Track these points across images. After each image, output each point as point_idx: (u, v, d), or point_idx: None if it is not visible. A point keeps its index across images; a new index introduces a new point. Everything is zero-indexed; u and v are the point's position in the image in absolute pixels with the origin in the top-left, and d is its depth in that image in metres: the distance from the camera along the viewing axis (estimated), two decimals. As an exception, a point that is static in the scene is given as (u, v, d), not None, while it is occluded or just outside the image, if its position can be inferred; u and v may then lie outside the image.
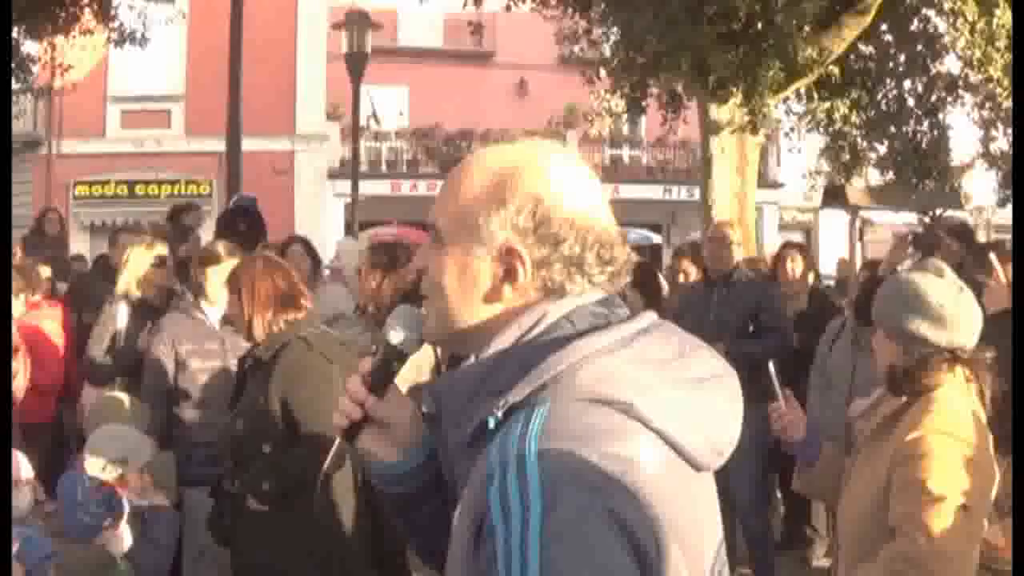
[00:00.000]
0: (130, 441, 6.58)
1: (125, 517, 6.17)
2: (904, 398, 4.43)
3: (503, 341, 2.20)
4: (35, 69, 21.96)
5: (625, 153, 42.84)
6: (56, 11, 18.67)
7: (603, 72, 19.59)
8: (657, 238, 36.21)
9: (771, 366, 4.96)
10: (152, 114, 36.14)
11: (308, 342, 6.02)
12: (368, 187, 34.56)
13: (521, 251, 2.21)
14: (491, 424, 2.10)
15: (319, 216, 33.12)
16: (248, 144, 29.78)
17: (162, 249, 8.96)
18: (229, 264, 7.18)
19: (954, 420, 4.24)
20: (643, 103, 20.01)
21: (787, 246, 11.76)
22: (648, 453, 2.02)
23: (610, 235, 2.26)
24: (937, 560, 3.99)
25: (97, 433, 6.60)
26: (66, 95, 32.36)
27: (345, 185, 25.85)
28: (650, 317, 2.27)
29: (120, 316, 8.57)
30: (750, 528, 9.58)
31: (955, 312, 4.39)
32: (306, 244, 10.31)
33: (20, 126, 33.50)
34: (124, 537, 6.13)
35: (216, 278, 7.49)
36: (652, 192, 40.26)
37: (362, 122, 38.40)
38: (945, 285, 4.46)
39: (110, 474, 6.35)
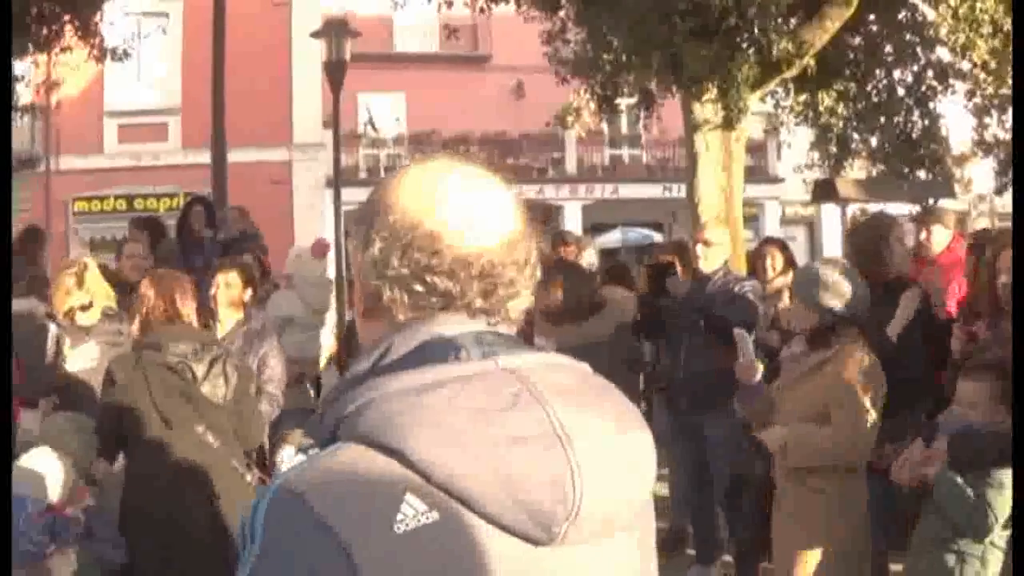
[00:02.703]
0: (62, 458, 6.55)
1: (70, 541, 6.13)
2: (824, 351, 6.62)
3: (356, 369, 2.10)
4: (19, 88, 21.89)
5: (625, 153, 42.81)
6: (37, 29, 18.61)
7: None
8: (658, 237, 36.06)
9: (743, 332, 7.10)
10: (149, 128, 36.19)
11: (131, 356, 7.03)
12: (367, 194, 34.47)
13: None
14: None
15: (318, 225, 33.01)
16: (245, 155, 29.98)
17: (70, 276, 8.75)
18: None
19: (869, 363, 6.52)
20: (615, 102, 19.90)
21: (766, 243, 11.60)
22: (411, 509, 1.85)
23: (437, 242, 2.07)
24: (862, 445, 6.45)
25: (34, 457, 6.53)
26: (62, 111, 32.40)
27: (344, 193, 25.80)
28: (506, 360, 2.03)
29: (49, 338, 8.45)
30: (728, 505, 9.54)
31: (850, 291, 6.60)
32: (254, 253, 10.44)
33: (16, 144, 33.53)
34: (70, 561, 6.08)
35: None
36: (652, 191, 40.20)
37: (359, 129, 38.49)
38: (840, 272, 6.72)
39: (58, 494, 6.34)
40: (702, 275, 9.51)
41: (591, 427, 1.99)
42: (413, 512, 1.84)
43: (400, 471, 1.87)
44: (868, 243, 8.50)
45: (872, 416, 6.45)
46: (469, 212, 2.11)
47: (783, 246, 11.24)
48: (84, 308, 8.49)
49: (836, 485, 6.53)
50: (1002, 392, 6.14)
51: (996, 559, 5.94)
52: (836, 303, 6.56)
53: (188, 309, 7.16)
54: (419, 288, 2.07)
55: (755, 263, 11.11)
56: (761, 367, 7.10)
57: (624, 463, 2.05)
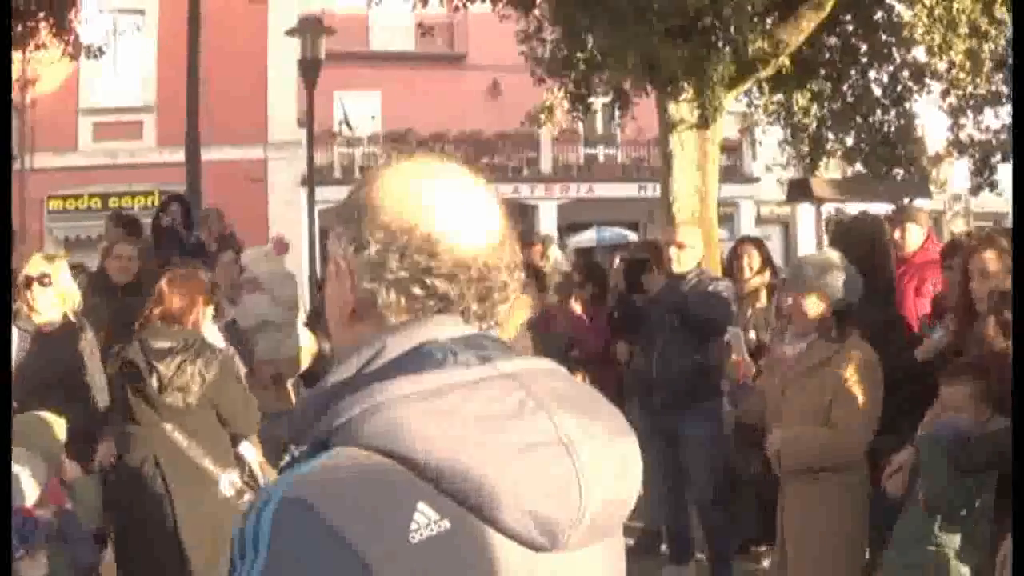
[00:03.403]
0: (35, 458, 6.51)
1: (41, 543, 6.08)
2: (828, 346, 6.81)
3: (342, 372, 2.03)
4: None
5: (600, 152, 42.86)
6: (12, 25, 18.49)
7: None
8: (633, 236, 36.16)
9: (739, 332, 7.85)
10: (124, 126, 36.16)
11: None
12: (342, 193, 34.21)
13: (339, 258, 2.12)
14: (285, 460, 2.00)
15: (295, 223, 32.94)
16: (221, 153, 29.93)
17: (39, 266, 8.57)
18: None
19: (872, 361, 6.77)
20: (589, 100, 19.89)
21: (743, 242, 11.56)
22: (424, 518, 1.82)
23: (434, 245, 2.04)
24: (857, 443, 6.68)
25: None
26: (37, 109, 32.24)
27: (319, 192, 25.77)
28: (504, 366, 2.01)
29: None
30: (708, 519, 9.53)
31: (857, 283, 7.00)
32: (238, 252, 10.48)
33: (-10, 142, 33.43)
34: (41, 565, 6.03)
35: None
36: (628, 190, 40.27)
37: (335, 128, 38.45)
38: (845, 264, 7.07)
39: (30, 495, 6.30)
40: (676, 276, 9.50)
41: (590, 434, 1.98)
42: (426, 521, 1.81)
43: (411, 479, 1.83)
44: (867, 243, 8.51)
45: (872, 412, 6.73)
46: (462, 213, 2.09)
47: (760, 245, 11.23)
48: (42, 282, 8.37)
49: (840, 473, 6.77)
50: (983, 391, 6.22)
51: (974, 555, 6.00)
52: (849, 294, 6.96)
53: (194, 315, 7.41)
54: (418, 291, 2.04)
55: (731, 262, 11.09)
56: (753, 366, 7.24)
57: (618, 469, 2.04)
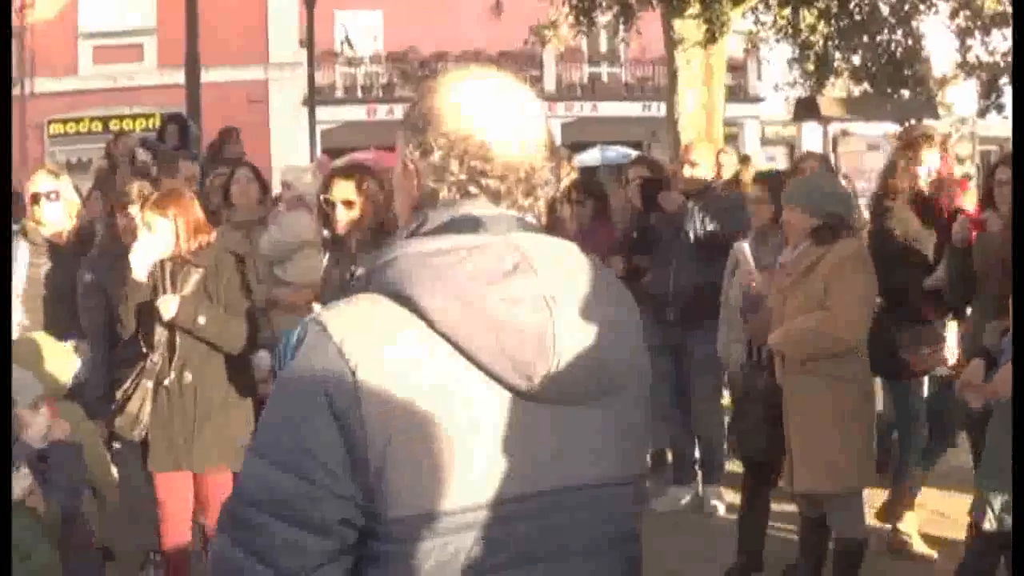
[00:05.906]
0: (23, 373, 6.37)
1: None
2: (819, 248, 7.00)
3: (395, 238, 2.50)
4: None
5: (604, 71, 42.69)
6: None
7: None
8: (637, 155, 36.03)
9: (745, 247, 7.74)
10: (124, 49, 36.16)
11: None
12: (345, 112, 34.41)
13: (407, 160, 2.51)
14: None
15: (295, 143, 32.86)
16: (221, 75, 29.78)
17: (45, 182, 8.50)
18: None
19: (860, 252, 7.16)
20: (593, 15, 19.73)
21: (807, 157, 11.40)
22: (409, 349, 2.25)
23: (488, 151, 2.43)
24: (851, 324, 6.90)
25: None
26: (37, 34, 32.06)
27: (321, 112, 25.65)
28: (515, 237, 2.39)
29: (20, 255, 8.24)
30: (706, 429, 9.82)
31: (844, 195, 7.53)
32: (254, 169, 10.05)
33: (-11, 66, 33.30)
34: (22, 476, 5.88)
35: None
36: (631, 109, 40.19)
37: (336, 47, 38.23)
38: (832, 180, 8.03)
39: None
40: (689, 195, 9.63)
41: (576, 295, 2.38)
42: (411, 346, 2.26)
43: (407, 315, 2.28)
44: None
45: (865, 296, 7.09)
46: (510, 124, 2.49)
47: (826, 162, 11.22)
48: (49, 197, 8.31)
49: (840, 361, 6.99)
50: None
51: None
52: (835, 205, 7.17)
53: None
54: (474, 190, 2.45)
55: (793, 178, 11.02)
56: (760, 277, 7.59)
57: (603, 328, 2.40)
